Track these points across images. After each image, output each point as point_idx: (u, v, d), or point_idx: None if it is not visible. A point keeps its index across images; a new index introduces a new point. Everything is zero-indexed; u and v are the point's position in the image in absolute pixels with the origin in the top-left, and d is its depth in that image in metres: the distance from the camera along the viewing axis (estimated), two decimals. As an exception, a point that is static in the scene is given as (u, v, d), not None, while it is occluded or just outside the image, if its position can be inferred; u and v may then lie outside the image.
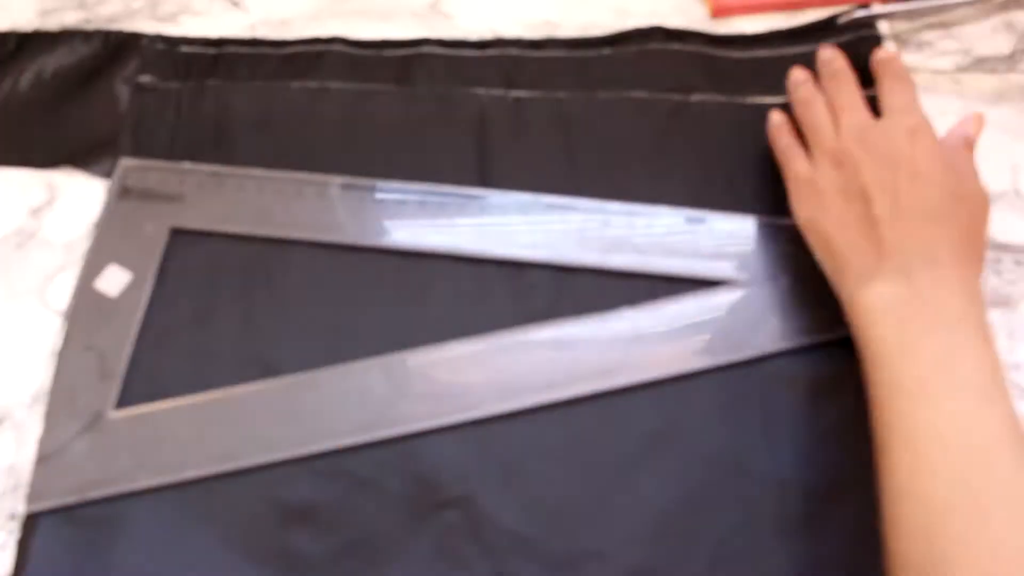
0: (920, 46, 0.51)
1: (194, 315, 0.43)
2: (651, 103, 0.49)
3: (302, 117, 0.48)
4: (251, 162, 0.47)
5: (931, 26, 0.51)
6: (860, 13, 0.49)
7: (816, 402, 0.41)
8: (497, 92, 0.49)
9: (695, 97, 0.49)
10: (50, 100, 0.49)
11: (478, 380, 0.41)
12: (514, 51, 0.51)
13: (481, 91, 0.49)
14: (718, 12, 0.53)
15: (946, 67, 0.51)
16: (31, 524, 0.38)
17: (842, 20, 0.50)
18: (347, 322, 0.43)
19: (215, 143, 0.48)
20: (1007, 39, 0.54)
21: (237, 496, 0.39)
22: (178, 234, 0.45)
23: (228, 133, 0.48)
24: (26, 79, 0.50)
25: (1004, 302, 0.43)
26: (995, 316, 0.43)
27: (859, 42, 0.49)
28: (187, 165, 0.47)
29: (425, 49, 0.51)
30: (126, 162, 0.47)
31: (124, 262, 0.44)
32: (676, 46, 0.50)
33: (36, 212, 0.46)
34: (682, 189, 0.46)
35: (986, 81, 0.51)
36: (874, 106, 0.41)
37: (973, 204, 0.38)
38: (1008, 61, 0.52)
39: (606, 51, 0.50)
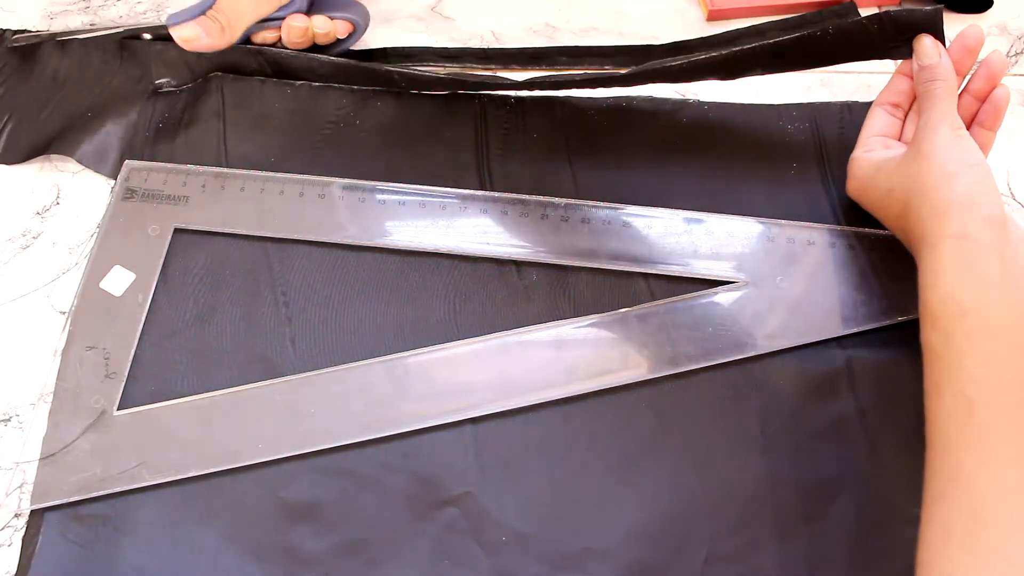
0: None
1: (197, 315, 0.43)
2: (651, 104, 0.49)
3: (305, 118, 0.49)
4: (253, 164, 0.47)
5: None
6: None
7: (813, 402, 0.41)
8: (497, 93, 0.50)
9: (694, 99, 0.50)
10: (59, 101, 0.50)
11: (478, 380, 0.41)
12: (513, 52, 0.51)
13: (481, 93, 0.50)
14: (714, 16, 0.54)
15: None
16: (36, 522, 0.38)
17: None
18: (348, 322, 0.43)
19: (218, 144, 0.48)
20: (1001, 42, 0.54)
21: (240, 494, 0.39)
22: (181, 234, 0.45)
23: (231, 134, 0.48)
24: (36, 80, 0.50)
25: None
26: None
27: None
28: (190, 167, 0.47)
29: (428, 52, 0.51)
30: (130, 164, 0.47)
31: (128, 262, 0.44)
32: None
33: (42, 213, 0.47)
34: (681, 190, 0.47)
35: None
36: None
37: None
38: (1003, 64, 0.52)
39: (610, 51, 0.51)
